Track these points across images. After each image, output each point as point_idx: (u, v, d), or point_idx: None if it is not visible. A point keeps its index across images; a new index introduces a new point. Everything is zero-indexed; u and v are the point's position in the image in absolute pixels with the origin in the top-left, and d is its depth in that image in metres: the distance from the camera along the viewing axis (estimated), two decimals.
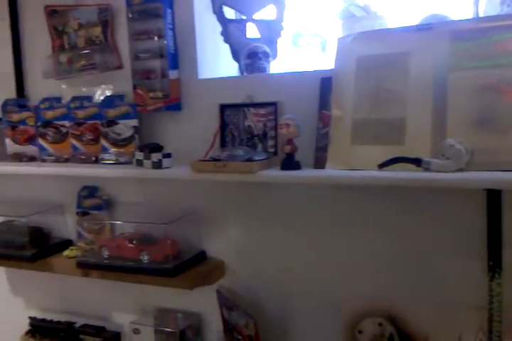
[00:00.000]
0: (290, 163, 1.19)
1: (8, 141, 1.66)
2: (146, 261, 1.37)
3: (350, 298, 1.26)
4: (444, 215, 1.16)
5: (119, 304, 1.64)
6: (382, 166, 1.08)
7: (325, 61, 1.43)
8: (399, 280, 1.23)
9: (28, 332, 1.71)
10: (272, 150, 1.32)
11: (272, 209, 1.37)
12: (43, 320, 1.70)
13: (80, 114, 1.54)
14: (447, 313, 1.13)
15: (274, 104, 1.31)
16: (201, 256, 1.44)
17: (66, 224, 1.68)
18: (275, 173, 1.18)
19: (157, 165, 1.32)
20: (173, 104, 1.43)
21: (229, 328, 1.40)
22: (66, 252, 1.57)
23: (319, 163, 1.21)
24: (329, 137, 1.19)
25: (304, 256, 1.34)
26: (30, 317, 1.73)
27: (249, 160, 1.22)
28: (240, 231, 1.42)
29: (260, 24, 1.52)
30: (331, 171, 1.14)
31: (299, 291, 1.36)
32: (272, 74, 1.41)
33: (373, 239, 1.25)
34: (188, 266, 1.38)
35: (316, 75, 1.26)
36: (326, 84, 1.24)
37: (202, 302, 1.48)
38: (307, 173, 1.15)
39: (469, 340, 1.12)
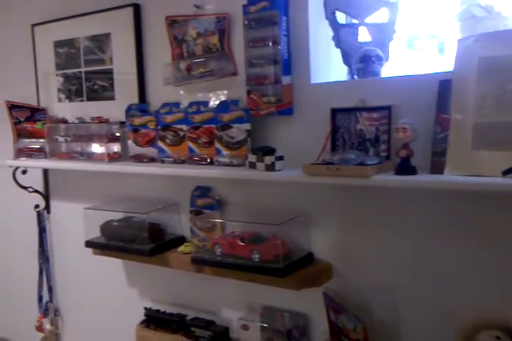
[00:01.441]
0: (406, 167, 1.17)
1: (130, 143, 1.80)
2: (256, 260, 1.42)
3: (462, 308, 1.21)
4: None
5: (227, 300, 1.71)
6: (506, 173, 1.03)
7: (442, 63, 1.39)
8: None
9: (143, 322, 1.84)
10: (384, 154, 1.31)
11: (381, 214, 1.36)
12: (157, 311, 1.82)
13: (197, 118, 1.63)
14: None
15: (387, 107, 1.30)
16: (309, 258, 1.46)
17: (180, 222, 1.78)
18: (390, 178, 1.17)
19: (270, 168, 1.36)
20: (285, 109, 1.48)
21: (335, 331, 1.41)
22: (181, 248, 1.67)
23: (436, 168, 1.18)
24: (448, 141, 1.16)
25: (413, 263, 1.32)
26: (145, 308, 1.85)
27: (361, 164, 1.22)
28: (347, 234, 1.42)
29: (372, 28, 1.51)
30: (450, 177, 1.11)
31: (408, 298, 1.34)
32: (386, 77, 1.40)
33: (490, 250, 1.20)
34: (296, 266, 1.41)
35: (433, 78, 1.23)
36: (444, 87, 1.21)
37: (308, 303, 1.50)
38: (425, 178, 1.13)
39: None
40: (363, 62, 1.42)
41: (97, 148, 1.84)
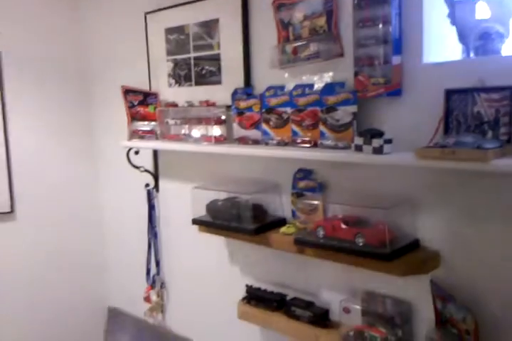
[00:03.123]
0: None
1: (235, 126, 1.85)
2: (360, 244, 1.41)
3: None
4: None
5: (327, 283, 1.72)
6: None
7: None
8: None
9: (244, 298, 1.91)
10: (504, 137, 1.23)
11: (498, 202, 1.29)
12: (258, 289, 1.87)
13: (301, 100, 1.63)
14: None
15: (510, 88, 1.22)
16: (415, 244, 1.42)
17: (282, 203, 1.81)
18: None
19: (378, 151, 1.34)
20: (394, 90, 1.43)
21: (442, 320, 1.37)
22: (283, 229, 1.70)
23: None
24: None
25: None
26: (246, 285, 1.91)
27: (479, 147, 1.16)
28: (458, 221, 1.36)
29: (492, 3, 1.41)
30: None
31: None
32: (507, 55, 1.30)
33: None
34: (402, 252, 1.38)
35: None
36: None
37: (412, 291, 1.47)
38: None
39: None
40: (482, 39, 1.34)
41: (204, 130, 1.92)
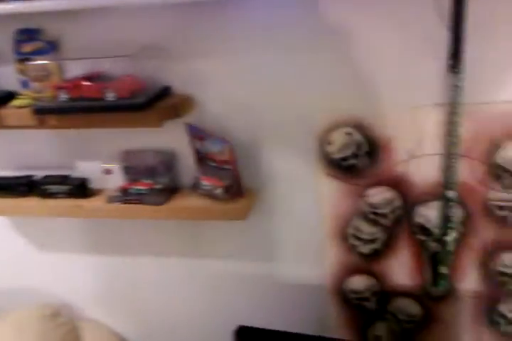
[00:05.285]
0: None
1: None
2: (111, 99, 1.33)
3: (323, 113, 1.33)
4: None
5: (83, 153, 1.61)
6: None
7: None
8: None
9: None
10: None
11: (244, 34, 1.32)
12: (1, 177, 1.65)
13: None
14: (412, 113, 1.26)
15: None
16: (166, 91, 1.42)
17: (4, 75, 1.55)
18: None
19: None
20: None
21: (201, 157, 1.46)
22: (14, 102, 1.48)
23: None
24: None
25: (277, 82, 1.36)
26: None
27: None
28: (206, 63, 1.39)
29: None
30: None
31: (272, 115, 1.41)
32: None
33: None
34: (154, 100, 1.36)
35: None
36: None
37: (173, 139, 1.50)
38: None
39: (429, 135, 1.27)
40: None
41: None
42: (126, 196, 1.49)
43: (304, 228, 1.52)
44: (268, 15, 1.29)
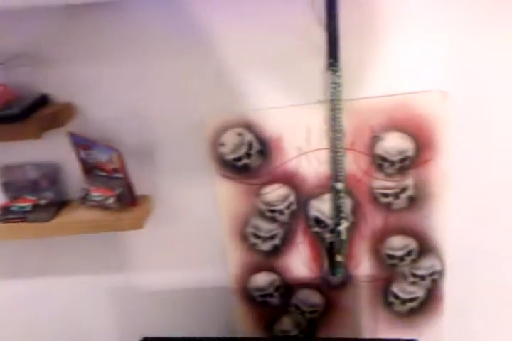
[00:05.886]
0: None
1: None
2: None
3: (212, 115, 1.33)
4: None
5: None
6: None
7: None
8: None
9: None
10: None
11: (123, 37, 1.28)
12: None
13: None
14: (296, 111, 1.30)
15: None
16: (44, 100, 1.32)
17: None
18: None
19: None
20: None
21: (88, 168, 1.38)
22: None
23: None
24: None
25: (163, 85, 1.33)
26: None
27: None
28: (85, 68, 1.32)
29: None
30: None
31: (161, 118, 1.37)
32: None
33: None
34: (31, 110, 1.26)
35: None
36: None
37: (56, 150, 1.39)
38: None
39: (315, 131, 1.32)
40: None
41: None
42: (7, 215, 1.37)
43: (203, 231, 1.51)
44: (146, 19, 1.26)
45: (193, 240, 1.54)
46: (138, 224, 1.38)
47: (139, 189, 1.42)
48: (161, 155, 1.42)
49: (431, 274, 1.50)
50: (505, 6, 1.20)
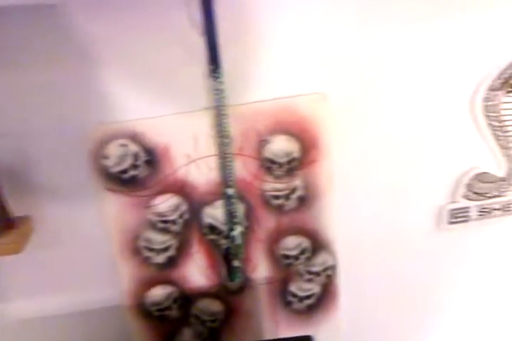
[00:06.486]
0: None
1: None
2: None
3: (94, 127, 1.24)
4: None
5: None
6: None
7: None
8: None
9: None
10: None
11: None
12: None
13: None
14: (182, 119, 1.27)
15: None
16: None
17: None
18: None
19: None
20: None
21: None
22: None
23: None
24: None
25: (35, 99, 1.21)
26: None
27: None
28: None
29: None
30: None
31: (39, 134, 1.25)
32: None
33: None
34: None
35: None
36: None
37: None
38: None
39: (203, 138, 1.30)
40: None
41: None
42: None
43: (91, 250, 1.41)
44: (14, 29, 1.14)
45: (79, 260, 1.43)
46: (16, 248, 1.25)
47: (16, 210, 1.29)
48: (39, 173, 1.30)
49: (325, 269, 1.56)
50: (380, 4, 1.25)
